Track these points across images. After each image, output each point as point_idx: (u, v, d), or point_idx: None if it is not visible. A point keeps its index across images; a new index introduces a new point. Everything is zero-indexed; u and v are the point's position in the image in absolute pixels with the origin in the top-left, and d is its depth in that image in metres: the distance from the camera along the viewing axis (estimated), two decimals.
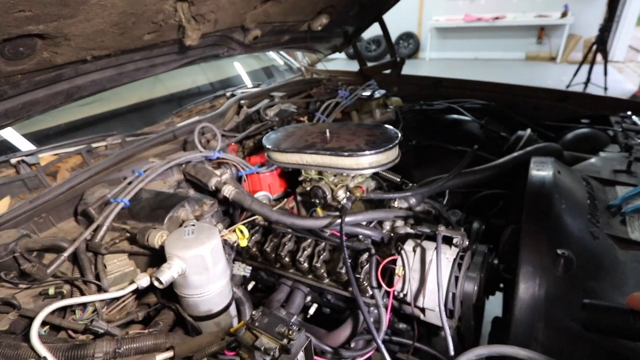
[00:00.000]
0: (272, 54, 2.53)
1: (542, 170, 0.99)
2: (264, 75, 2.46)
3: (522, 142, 1.63)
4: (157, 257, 0.89)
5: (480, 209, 1.59)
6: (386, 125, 1.32)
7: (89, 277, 0.77)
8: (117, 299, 0.80)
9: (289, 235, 1.22)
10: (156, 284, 0.71)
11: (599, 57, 5.75)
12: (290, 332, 0.64)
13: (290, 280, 1.24)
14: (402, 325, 1.17)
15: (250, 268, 1.19)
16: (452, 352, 0.79)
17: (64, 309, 0.72)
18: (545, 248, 0.82)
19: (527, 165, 1.26)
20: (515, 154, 1.28)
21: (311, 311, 1.22)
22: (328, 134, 1.28)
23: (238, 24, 1.21)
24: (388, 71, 2.26)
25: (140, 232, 0.84)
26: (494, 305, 1.32)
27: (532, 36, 9.53)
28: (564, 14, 8.78)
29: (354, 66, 2.48)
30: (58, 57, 0.82)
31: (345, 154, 1.13)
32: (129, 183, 1.02)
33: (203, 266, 0.76)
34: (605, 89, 5.71)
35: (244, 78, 2.31)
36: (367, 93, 1.86)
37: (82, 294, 0.74)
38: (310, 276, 1.19)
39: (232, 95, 1.77)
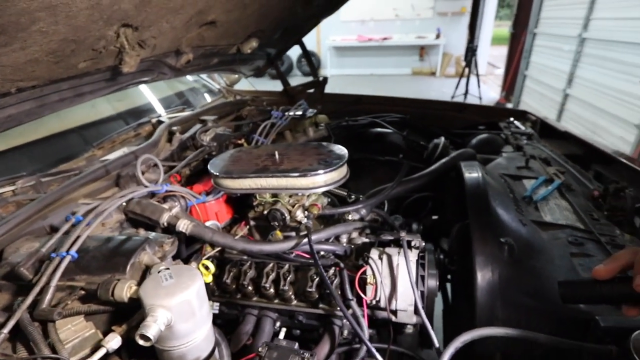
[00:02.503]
0: (190, 77, 2.42)
1: (473, 173, 1.16)
2: (177, 100, 2.31)
3: (439, 149, 1.86)
4: (120, 313, 0.78)
5: (413, 211, 1.76)
6: (331, 144, 1.38)
7: (45, 351, 0.64)
8: None
9: (249, 263, 1.19)
10: (142, 342, 0.63)
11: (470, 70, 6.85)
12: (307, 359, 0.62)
13: (256, 308, 1.20)
14: (369, 331, 1.22)
15: (217, 304, 1.12)
16: (437, 344, 0.87)
17: None
18: (492, 239, 0.97)
19: (452, 170, 1.46)
20: (444, 160, 1.47)
21: (281, 335, 1.19)
22: (277, 156, 1.29)
23: (174, 48, 1.15)
24: (312, 90, 2.36)
25: (102, 286, 0.72)
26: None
27: (415, 54, 10.92)
28: (437, 36, 10.28)
29: (262, 85, 2.54)
30: None
31: (302, 174, 1.16)
32: (66, 232, 0.87)
33: (190, 312, 0.70)
34: (480, 98, 6.83)
35: (154, 105, 2.12)
36: (299, 112, 1.92)
37: None
38: (276, 301, 1.17)
39: (159, 122, 1.64)
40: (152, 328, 0.63)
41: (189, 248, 1.28)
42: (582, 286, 0.60)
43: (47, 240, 0.85)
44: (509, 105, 7.05)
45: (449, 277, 1.34)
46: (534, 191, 1.23)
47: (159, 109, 2.05)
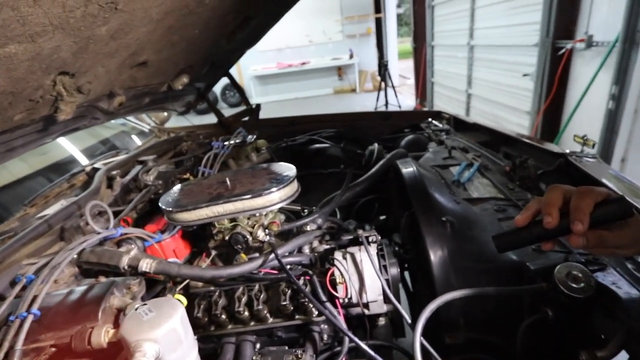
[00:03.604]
0: (116, 121, 2.33)
1: (409, 167, 1.31)
2: (104, 146, 2.20)
3: (375, 154, 2.04)
4: None
5: (363, 215, 1.88)
6: (278, 163, 1.45)
7: None
8: None
9: (217, 292, 1.19)
10: None
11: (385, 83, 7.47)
12: (300, 356, 0.66)
13: (233, 336, 1.19)
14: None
15: (195, 337, 1.09)
16: (409, 320, 0.96)
17: None
18: (435, 220, 1.11)
19: (390, 170, 1.62)
20: (381, 162, 1.62)
21: None
22: (229, 182, 1.33)
23: (107, 91, 1.14)
24: (247, 118, 2.42)
25: (77, 336, 0.69)
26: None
27: (334, 75, 11.58)
28: (351, 56, 11.05)
29: (186, 121, 2.57)
30: None
31: (255, 195, 1.20)
32: (17, 296, 0.81)
33: (177, 340, 0.70)
34: (399, 106, 7.45)
35: (77, 156, 1.99)
36: (239, 140, 1.97)
37: None
38: (252, 323, 1.18)
39: (94, 169, 1.57)
40: None
41: (150, 292, 1.23)
42: (509, 235, 0.74)
43: None
44: (426, 109, 7.80)
45: (406, 266, 1.47)
46: (459, 175, 1.42)
47: (83, 160, 1.94)
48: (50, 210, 1.20)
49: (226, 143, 1.90)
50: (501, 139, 1.83)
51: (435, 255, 1.06)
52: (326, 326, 1.17)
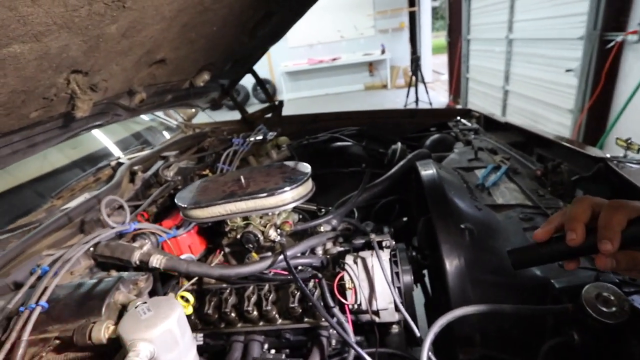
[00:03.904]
0: (145, 117, 2.41)
1: (428, 170, 1.24)
2: (134, 141, 2.29)
3: (397, 154, 1.97)
4: (99, 357, 0.76)
5: (383, 216, 1.83)
6: (294, 162, 1.43)
7: None
8: None
9: (228, 290, 1.19)
10: None
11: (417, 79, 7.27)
12: None
13: (241, 335, 1.19)
14: (357, 338, 1.24)
15: (201, 335, 1.10)
16: (418, 334, 0.91)
17: None
18: (453, 227, 1.04)
19: (411, 171, 1.55)
20: (401, 163, 1.55)
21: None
22: (243, 180, 1.32)
23: (126, 89, 1.16)
24: (270, 115, 2.42)
25: (78, 331, 0.71)
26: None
27: (365, 70, 11.42)
28: (382, 51, 10.84)
29: (218, 116, 2.59)
30: None
31: (269, 194, 1.19)
32: (31, 286, 0.84)
33: (173, 341, 0.70)
34: (430, 103, 7.23)
35: (110, 149, 2.09)
36: (259, 137, 1.96)
37: None
38: (261, 323, 1.17)
39: (118, 164, 1.62)
40: None
41: (165, 286, 1.26)
42: (527, 251, 0.66)
43: (12, 296, 0.82)
44: (458, 107, 7.51)
45: (425, 272, 1.40)
46: (485, 179, 1.34)
47: (116, 151, 2.03)
48: (73, 203, 1.25)
49: (246, 140, 1.90)
50: (535, 140, 1.70)
51: (451, 265, 1.00)
52: (335, 331, 1.14)
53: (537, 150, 1.64)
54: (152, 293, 1.16)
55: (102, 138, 2.14)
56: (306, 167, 1.34)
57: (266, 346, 1.19)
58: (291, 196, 1.22)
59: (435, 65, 12.26)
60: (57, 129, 1.02)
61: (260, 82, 2.39)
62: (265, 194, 1.19)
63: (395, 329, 1.19)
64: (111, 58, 0.88)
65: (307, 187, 1.29)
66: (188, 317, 1.12)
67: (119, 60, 0.93)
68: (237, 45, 1.71)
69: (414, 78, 7.11)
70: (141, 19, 0.82)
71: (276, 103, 2.37)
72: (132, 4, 0.74)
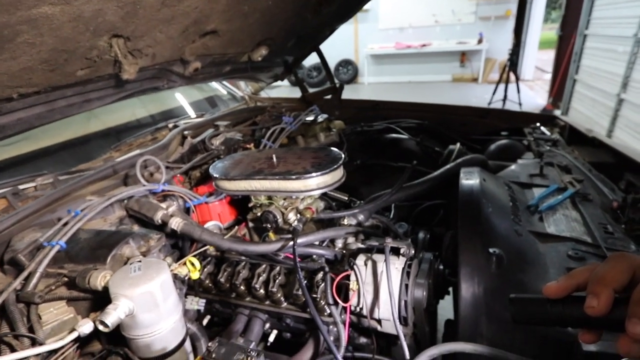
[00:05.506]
0: (214, 84, 2.54)
1: (470, 179, 1.10)
2: (207, 105, 2.45)
3: (453, 155, 1.79)
4: (100, 301, 0.83)
5: (425, 219, 1.70)
6: (330, 148, 1.38)
7: (21, 330, 0.70)
8: (55, 351, 0.73)
9: (243, 263, 1.21)
10: (101, 327, 0.67)
11: (513, 76, 6.52)
12: (249, 359, 0.63)
13: (247, 308, 1.21)
14: (362, 340, 1.19)
15: (204, 301, 1.15)
16: (407, 357, 0.83)
17: None
18: (480, 249, 0.91)
19: (455, 176, 1.39)
20: (447, 166, 1.41)
21: (271, 338, 1.20)
22: (275, 159, 1.31)
23: (177, 57, 1.22)
24: (329, 96, 2.37)
25: (80, 274, 0.78)
26: (447, 310, 1.40)
27: (456, 60, 10.58)
28: (479, 41, 9.90)
29: (296, 92, 2.57)
30: None
31: (293, 177, 1.16)
32: (65, 224, 0.95)
33: (153, 303, 0.73)
34: (520, 104, 6.45)
35: (186, 109, 2.29)
36: (310, 118, 1.94)
37: (14, 350, 0.67)
38: (267, 302, 1.18)
39: (175, 127, 1.74)
40: (111, 315, 0.67)
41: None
42: (533, 304, 0.52)
43: (47, 231, 0.93)
44: (557, 112, 6.58)
45: (450, 289, 1.27)
46: (540, 200, 1.14)
47: (190, 111, 2.21)
48: (125, 156, 1.38)
49: (296, 119, 1.89)
50: (626, 164, 1.40)
51: (467, 291, 0.88)
52: (334, 328, 1.10)
53: (628, 176, 1.35)
54: (181, 253, 1.24)
55: (180, 98, 2.34)
56: (339, 155, 1.28)
57: (268, 325, 1.20)
58: (316, 182, 1.19)
59: (539, 61, 10.84)
60: (110, 88, 1.11)
61: (325, 63, 2.34)
62: (291, 177, 1.18)
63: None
64: (153, 25, 0.92)
65: (335, 176, 1.23)
66: (197, 281, 1.19)
67: (162, 28, 0.97)
68: (299, 21, 1.68)
69: (511, 74, 6.37)
70: None
71: (337, 85, 2.31)
72: None
